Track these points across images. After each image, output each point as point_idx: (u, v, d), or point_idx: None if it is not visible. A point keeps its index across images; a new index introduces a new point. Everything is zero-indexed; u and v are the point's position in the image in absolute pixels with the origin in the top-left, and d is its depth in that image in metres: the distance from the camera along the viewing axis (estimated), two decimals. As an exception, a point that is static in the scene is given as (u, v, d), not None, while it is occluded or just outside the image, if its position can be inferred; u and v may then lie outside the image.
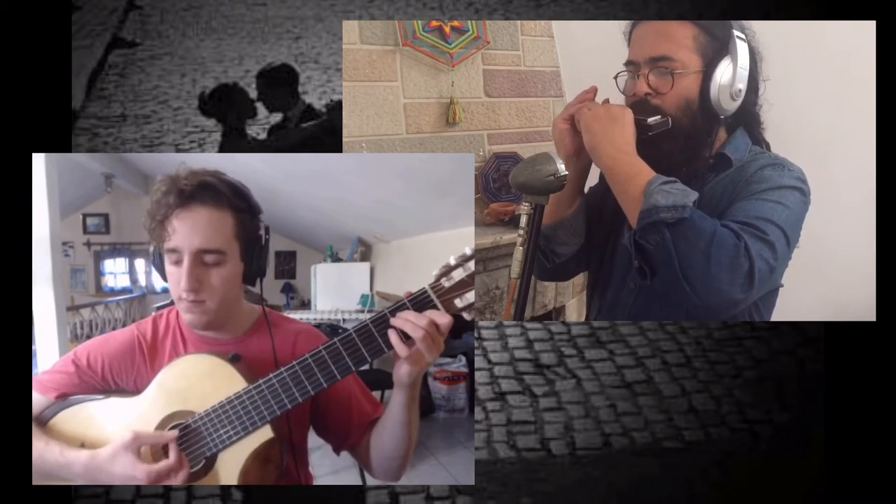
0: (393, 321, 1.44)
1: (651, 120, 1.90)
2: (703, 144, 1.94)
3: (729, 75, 1.89)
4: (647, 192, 1.78)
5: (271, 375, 1.52)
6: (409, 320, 1.43)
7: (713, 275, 1.71)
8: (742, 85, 1.90)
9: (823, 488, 2.30)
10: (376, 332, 1.47)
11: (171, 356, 1.66)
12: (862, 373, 2.31)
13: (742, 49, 1.90)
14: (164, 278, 1.64)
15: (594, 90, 1.98)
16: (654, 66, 1.92)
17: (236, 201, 1.61)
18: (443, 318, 1.43)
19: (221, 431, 1.54)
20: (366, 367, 1.52)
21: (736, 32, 1.90)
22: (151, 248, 1.65)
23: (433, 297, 1.44)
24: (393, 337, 1.45)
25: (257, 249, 1.65)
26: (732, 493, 2.55)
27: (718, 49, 1.90)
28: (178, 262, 1.58)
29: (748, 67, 1.91)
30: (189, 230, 1.56)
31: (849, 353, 2.36)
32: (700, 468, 2.64)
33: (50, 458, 1.61)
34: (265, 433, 1.54)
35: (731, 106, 1.92)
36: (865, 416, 2.27)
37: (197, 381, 1.58)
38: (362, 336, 1.47)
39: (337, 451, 1.76)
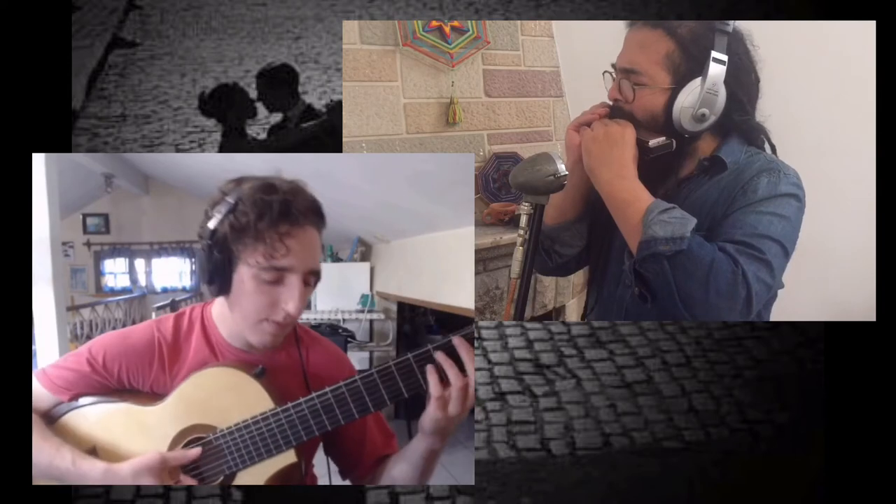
0: (438, 358, 1.39)
1: (652, 143, 1.87)
2: (670, 163, 1.92)
3: (694, 98, 1.85)
4: (646, 223, 1.77)
5: (301, 400, 1.47)
6: (454, 365, 1.39)
7: (712, 303, 1.72)
8: (707, 109, 1.85)
9: (823, 488, 2.30)
10: (417, 367, 1.41)
11: (195, 360, 1.60)
12: (862, 373, 2.32)
13: (716, 72, 1.84)
14: (219, 290, 1.52)
15: (606, 109, 1.95)
16: (624, 76, 1.92)
17: (322, 223, 1.56)
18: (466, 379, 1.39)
19: (244, 451, 1.51)
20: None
21: (715, 54, 1.84)
22: (213, 252, 1.48)
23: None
24: (431, 375, 1.39)
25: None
26: (732, 493, 2.55)
27: (691, 69, 1.86)
28: (277, 282, 1.49)
29: (721, 92, 1.85)
30: (305, 251, 1.49)
31: (849, 353, 2.36)
32: (700, 468, 2.64)
33: (62, 465, 1.57)
34: (288, 457, 1.51)
35: (695, 127, 1.88)
36: (865, 416, 2.27)
37: (219, 395, 1.53)
38: (402, 370, 1.42)
39: (343, 476, 1.72)
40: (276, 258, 1.46)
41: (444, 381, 1.39)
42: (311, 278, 1.51)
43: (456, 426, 1.44)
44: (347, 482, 1.72)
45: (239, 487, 2.46)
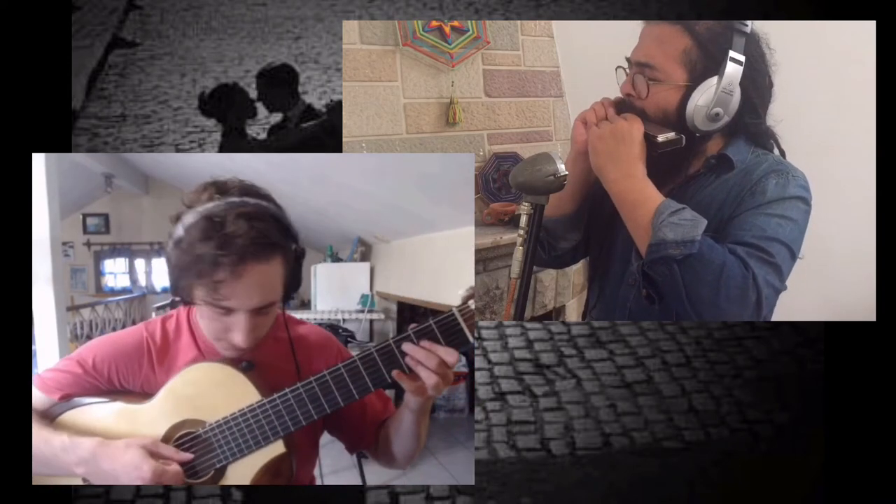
0: (408, 358, 1.42)
1: (661, 138, 1.85)
2: (680, 160, 1.92)
3: (709, 97, 1.83)
4: (655, 225, 1.75)
5: (287, 391, 1.49)
6: (420, 362, 1.42)
7: (722, 307, 1.71)
8: (721, 109, 1.84)
9: (823, 488, 2.30)
10: (398, 352, 1.43)
11: (184, 359, 1.63)
12: (862, 373, 2.31)
13: (733, 72, 1.83)
14: (183, 302, 1.54)
15: (603, 105, 1.94)
16: (639, 70, 1.90)
17: (282, 241, 1.50)
18: (451, 357, 1.41)
19: (233, 444, 1.52)
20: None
21: (733, 54, 1.83)
22: (170, 269, 1.49)
23: (460, 320, 1.41)
24: (398, 374, 1.43)
25: (296, 273, 1.58)
26: (732, 493, 2.55)
27: (708, 67, 1.84)
28: (227, 314, 1.48)
29: (735, 93, 1.84)
30: (246, 292, 1.45)
31: (849, 353, 2.36)
32: (700, 468, 2.64)
33: (56, 441, 1.58)
34: (277, 448, 1.52)
35: (708, 127, 1.87)
36: (865, 416, 2.27)
37: (208, 390, 1.55)
38: (384, 356, 1.44)
39: (351, 451, 1.76)
40: (218, 300, 1.45)
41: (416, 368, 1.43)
42: (263, 309, 1.50)
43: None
44: (347, 482, 1.72)
45: (239, 487, 2.46)
